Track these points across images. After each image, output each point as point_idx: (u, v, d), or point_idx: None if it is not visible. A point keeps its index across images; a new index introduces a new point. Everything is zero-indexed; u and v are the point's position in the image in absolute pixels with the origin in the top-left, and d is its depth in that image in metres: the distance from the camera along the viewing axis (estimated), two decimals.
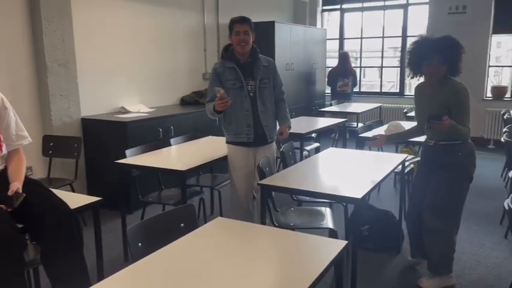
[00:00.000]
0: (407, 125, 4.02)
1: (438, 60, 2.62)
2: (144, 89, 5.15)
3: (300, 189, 2.60)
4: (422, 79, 2.85)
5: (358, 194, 2.37)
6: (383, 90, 8.34)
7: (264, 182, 2.62)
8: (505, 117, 5.63)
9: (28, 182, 2.13)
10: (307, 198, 3.16)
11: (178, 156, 3.51)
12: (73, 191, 3.64)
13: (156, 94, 5.33)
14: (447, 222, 2.78)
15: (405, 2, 7.80)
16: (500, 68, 7.87)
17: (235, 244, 1.80)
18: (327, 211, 2.99)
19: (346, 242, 1.74)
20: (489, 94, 7.28)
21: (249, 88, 3.03)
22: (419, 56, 2.69)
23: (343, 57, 7.55)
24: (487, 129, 7.12)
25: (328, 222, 2.77)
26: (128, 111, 4.72)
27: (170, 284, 1.47)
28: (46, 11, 3.90)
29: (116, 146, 4.14)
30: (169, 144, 3.74)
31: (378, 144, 3.05)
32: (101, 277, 2.29)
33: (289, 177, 2.78)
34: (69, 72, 4.16)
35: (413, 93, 3.00)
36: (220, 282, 1.47)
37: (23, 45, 3.90)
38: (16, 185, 2.01)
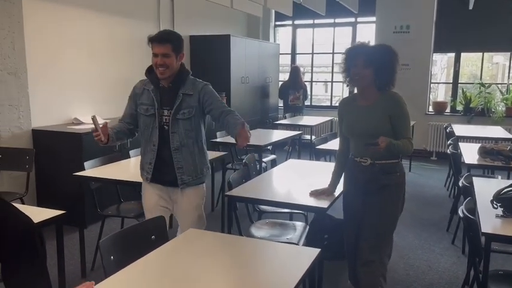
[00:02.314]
0: None
1: (362, 62, 2.36)
2: (98, 99, 5.01)
3: (265, 200, 2.65)
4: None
5: (323, 203, 2.46)
6: (333, 105, 8.64)
7: (230, 193, 2.65)
8: (447, 130, 6.01)
9: None
10: (269, 208, 3.22)
11: (137, 167, 3.43)
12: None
13: (111, 105, 5.19)
14: (384, 250, 2.47)
15: (354, 20, 8.17)
16: (436, 84, 8.43)
17: (208, 255, 1.80)
18: (298, 226, 3.02)
19: (319, 250, 1.80)
20: (431, 109, 7.75)
21: (164, 119, 2.48)
22: (348, 60, 2.46)
23: (294, 71, 7.76)
24: (429, 142, 7.56)
25: (295, 237, 2.81)
26: (81, 123, 4.56)
27: None
28: None
29: (70, 158, 3.99)
30: (128, 156, 3.66)
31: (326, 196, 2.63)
32: None
33: (254, 189, 2.82)
34: (19, 81, 3.97)
35: None
36: None
37: None
38: None
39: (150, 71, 2.52)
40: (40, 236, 1.98)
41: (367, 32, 8.15)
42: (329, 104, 8.65)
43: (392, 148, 2.31)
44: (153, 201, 2.58)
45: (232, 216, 2.68)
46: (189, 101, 2.47)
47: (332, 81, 8.59)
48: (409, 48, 7.46)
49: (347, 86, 2.57)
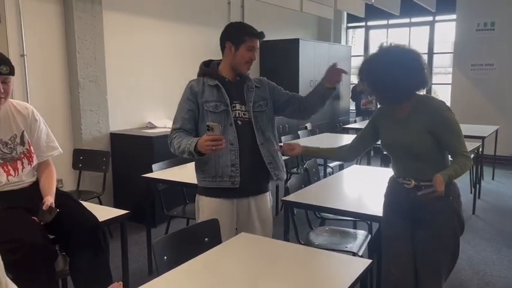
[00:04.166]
0: None
1: (365, 87, 2.11)
2: (171, 104, 5.24)
3: (323, 207, 2.60)
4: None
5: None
6: None
7: (287, 198, 2.64)
8: None
9: (59, 194, 2.20)
10: (331, 216, 3.16)
11: None
12: (100, 204, 3.72)
13: None
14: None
15: (431, 19, 7.75)
16: None
17: (258, 260, 1.81)
18: (359, 234, 2.93)
19: (371, 261, 1.74)
20: None
21: (237, 114, 2.29)
22: None
23: None
24: None
25: (355, 246, 2.73)
26: (154, 126, 4.83)
27: None
28: (80, 29, 4.06)
29: (142, 160, 4.23)
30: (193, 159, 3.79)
31: (291, 151, 2.34)
32: None
33: (313, 194, 2.78)
34: (99, 88, 4.31)
35: None
36: None
37: (58, 62, 4.07)
38: (50, 200, 2.08)
39: (207, 66, 2.38)
40: (104, 234, 2.14)
41: (447, 31, 7.69)
42: None
43: (454, 178, 1.91)
44: (227, 222, 2.27)
45: (289, 221, 2.66)
46: (260, 93, 2.37)
47: None
48: (494, 46, 6.93)
49: None
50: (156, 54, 5.00)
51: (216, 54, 2.48)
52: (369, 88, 2.06)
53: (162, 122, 4.97)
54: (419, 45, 7.98)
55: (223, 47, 2.35)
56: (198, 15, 5.54)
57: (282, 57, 6.65)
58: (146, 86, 4.92)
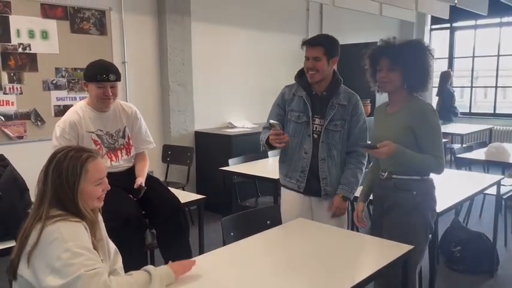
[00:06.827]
0: None
1: (387, 64, 2.12)
2: (250, 107, 5.65)
3: None
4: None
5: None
6: (497, 112, 7.85)
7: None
8: None
9: (149, 178, 2.64)
10: None
11: (274, 166, 3.85)
12: None
13: (261, 112, 5.77)
14: None
15: None
16: None
17: (309, 241, 2.06)
18: None
19: (412, 247, 1.90)
20: None
21: (315, 127, 2.45)
22: (370, 62, 2.26)
23: (443, 75, 7.24)
24: None
25: None
26: (234, 126, 5.25)
27: (253, 264, 1.80)
28: (171, 39, 4.60)
29: (221, 156, 4.64)
30: (267, 156, 4.12)
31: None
32: None
33: None
34: (187, 91, 4.82)
35: None
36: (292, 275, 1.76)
37: (152, 68, 4.65)
38: (140, 180, 2.52)
39: (300, 75, 2.51)
40: (184, 213, 2.53)
41: None
42: (492, 112, 7.88)
43: (402, 158, 2.06)
44: (295, 213, 2.47)
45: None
46: (343, 113, 2.44)
47: (496, 87, 7.81)
48: None
49: (377, 91, 2.30)
50: (237, 60, 5.42)
51: (294, 61, 2.70)
52: (393, 68, 2.11)
53: (241, 123, 5.38)
54: (511, 46, 7.57)
55: None
56: (277, 23, 5.87)
57: (360, 61, 6.71)
58: (228, 89, 5.36)
